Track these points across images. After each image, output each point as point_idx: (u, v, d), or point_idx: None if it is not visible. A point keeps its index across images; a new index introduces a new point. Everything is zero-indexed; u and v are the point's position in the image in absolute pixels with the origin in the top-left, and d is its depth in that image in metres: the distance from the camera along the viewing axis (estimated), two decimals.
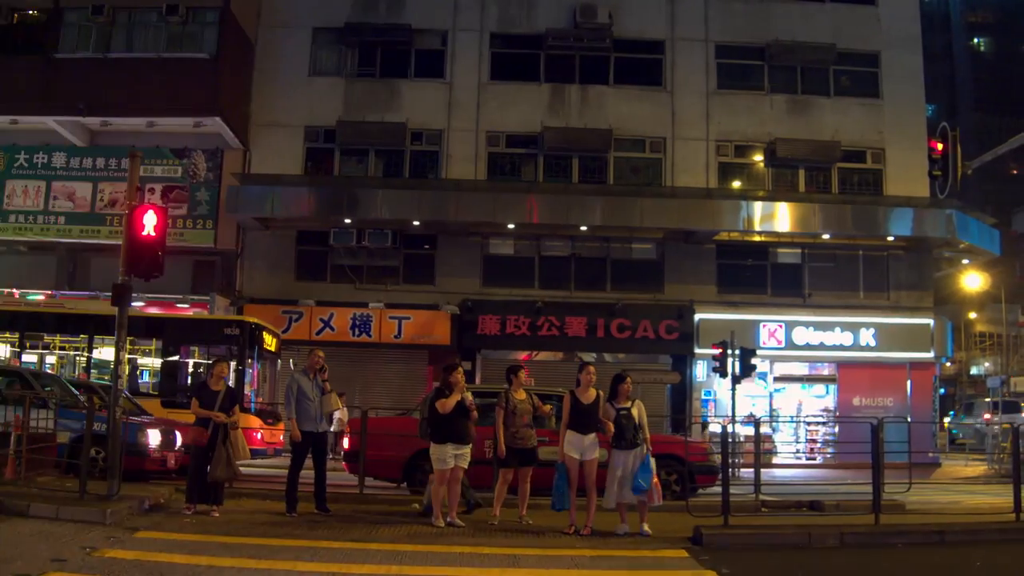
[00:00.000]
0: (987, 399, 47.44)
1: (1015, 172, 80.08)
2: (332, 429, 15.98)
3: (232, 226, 30.97)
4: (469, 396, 12.99)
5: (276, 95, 32.17)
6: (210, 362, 15.25)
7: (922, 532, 13.11)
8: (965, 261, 37.77)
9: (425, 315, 30.69)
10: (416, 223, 30.62)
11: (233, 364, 21.93)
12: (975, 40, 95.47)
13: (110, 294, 14.18)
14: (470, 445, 13.07)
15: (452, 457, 12.83)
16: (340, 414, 22.40)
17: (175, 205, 30.04)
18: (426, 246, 32.00)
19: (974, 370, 68.84)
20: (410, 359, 30.96)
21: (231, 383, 19.71)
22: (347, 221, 30.45)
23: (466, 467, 13.11)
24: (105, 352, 23.50)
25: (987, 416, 42.34)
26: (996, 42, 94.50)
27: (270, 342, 24.39)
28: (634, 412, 12.73)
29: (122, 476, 13.44)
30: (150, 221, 13.97)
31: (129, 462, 14.29)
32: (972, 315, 69.40)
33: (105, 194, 30.64)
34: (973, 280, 49.57)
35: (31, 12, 30.81)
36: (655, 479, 12.69)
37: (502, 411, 13.43)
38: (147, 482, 15.58)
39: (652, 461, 12.69)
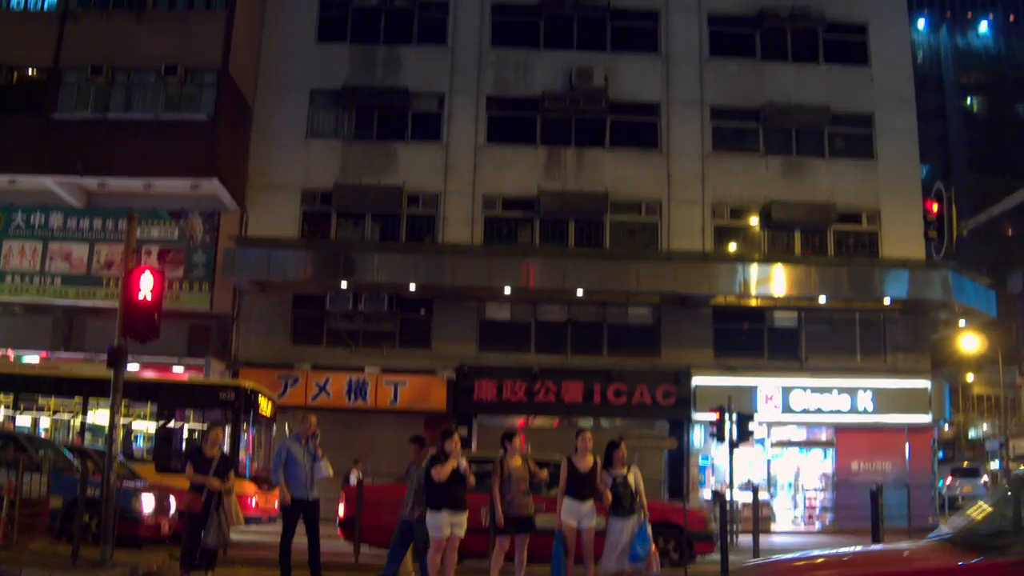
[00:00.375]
0: (983, 463, 47.39)
1: (1010, 232, 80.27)
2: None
3: (228, 289, 30.92)
4: (464, 463, 12.88)
5: (273, 157, 32.27)
6: (205, 427, 15.11)
7: None
8: (962, 323, 37.75)
9: (421, 380, 30.55)
10: (412, 287, 30.54)
11: (228, 429, 21.74)
12: (968, 100, 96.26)
13: (106, 356, 14.13)
14: (466, 512, 12.94)
15: (448, 525, 12.69)
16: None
17: (171, 267, 30.03)
18: (422, 310, 31.95)
19: (972, 433, 68.69)
20: (406, 424, 30.59)
21: (226, 448, 19.61)
22: (343, 285, 30.39)
23: (463, 535, 12.97)
24: (100, 415, 23.36)
25: (948, 480, 42.33)
26: (989, 102, 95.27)
27: (265, 407, 24.25)
28: (630, 479, 12.64)
29: (115, 542, 13.31)
30: (147, 283, 13.97)
31: (123, 528, 14.19)
32: (969, 377, 69.35)
33: (101, 255, 30.61)
34: (970, 342, 49.57)
35: (31, 72, 30.98)
36: (652, 547, 12.56)
37: (498, 479, 13.32)
38: (141, 548, 15.46)
39: (649, 528, 12.58)
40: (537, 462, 14.50)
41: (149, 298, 13.96)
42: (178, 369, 29.01)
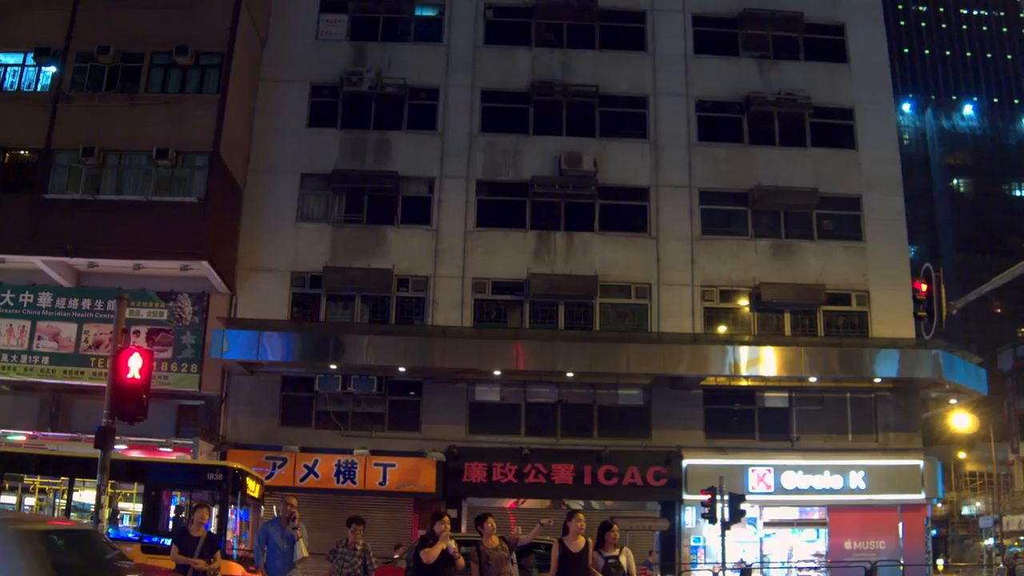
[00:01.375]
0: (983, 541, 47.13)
1: (999, 310, 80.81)
2: None
3: (217, 370, 30.80)
4: (453, 544, 12.81)
5: (263, 240, 32.37)
6: (191, 507, 15.01)
7: None
8: (953, 401, 37.82)
9: (410, 462, 30.35)
10: (402, 369, 30.54)
11: (216, 510, 21.55)
12: (954, 181, 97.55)
13: (93, 436, 14.06)
14: None
15: None
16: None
17: (160, 348, 29.94)
18: (412, 392, 31.86)
19: (965, 510, 68.50)
20: (395, 506, 30.55)
21: (213, 529, 19.42)
22: (333, 367, 30.36)
23: None
24: (86, 495, 23.14)
25: None
26: (975, 182, 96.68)
27: (253, 488, 24.04)
28: (623, 560, 12.56)
29: None
30: (135, 364, 14.00)
31: None
32: (961, 455, 69.34)
33: (90, 335, 30.52)
34: (961, 420, 49.51)
35: (22, 152, 31.12)
36: None
37: (476, 564, 13.26)
38: None
39: None
40: (531, 544, 14.45)
41: (138, 378, 14.01)
42: (166, 449, 28.79)
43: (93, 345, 30.37)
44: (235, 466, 23.46)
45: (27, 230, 29.64)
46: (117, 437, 14.69)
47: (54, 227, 29.54)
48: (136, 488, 23.54)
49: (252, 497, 24.06)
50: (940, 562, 52.76)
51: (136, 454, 26.83)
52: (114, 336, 14.47)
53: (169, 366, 30.24)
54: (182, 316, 30.78)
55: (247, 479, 23.50)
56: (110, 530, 21.18)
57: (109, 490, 14.57)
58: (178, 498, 23.49)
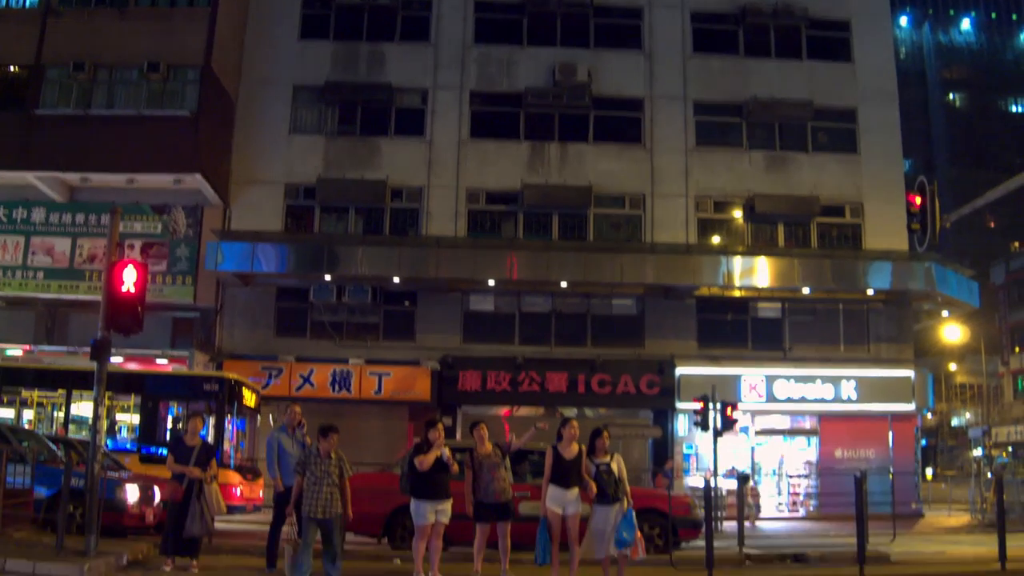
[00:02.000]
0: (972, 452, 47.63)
1: (992, 225, 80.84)
2: None
3: (212, 282, 30.88)
4: (447, 452, 12.91)
5: (256, 152, 32.24)
6: (186, 417, 15.10)
7: None
8: (945, 313, 38.03)
9: (405, 371, 30.60)
10: (396, 280, 30.60)
11: (212, 420, 21.76)
12: (950, 96, 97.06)
13: (89, 349, 14.12)
14: (450, 500, 13.00)
15: (432, 512, 12.75)
16: None
17: (154, 261, 30.01)
18: (406, 302, 31.99)
19: (955, 421, 69.34)
20: (390, 415, 30.83)
21: (210, 439, 19.65)
22: (327, 278, 30.46)
23: (447, 522, 13.02)
24: (83, 408, 23.33)
25: None
26: (971, 98, 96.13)
27: (249, 398, 24.24)
28: (614, 466, 12.67)
29: (100, 532, 13.32)
30: (130, 277, 13.95)
31: (107, 518, 14.16)
32: (952, 367, 69.91)
33: (84, 250, 30.55)
34: (953, 332, 49.85)
35: (12, 68, 30.81)
36: (637, 533, 12.61)
37: (469, 470, 13.41)
38: (125, 538, 15.44)
39: (634, 515, 12.63)
40: (524, 451, 14.59)
41: (132, 291, 13.95)
42: (162, 361, 28.99)
43: (87, 259, 30.40)
44: (231, 376, 23.63)
45: (19, 146, 29.46)
46: (113, 350, 14.69)
47: (46, 143, 29.42)
48: (133, 400, 23.77)
49: (248, 407, 24.29)
50: (929, 471, 53.42)
51: (133, 366, 27.01)
52: (108, 249, 14.43)
53: (164, 279, 30.31)
54: (176, 229, 30.78)
55: (243, 389, 23.69)
56: (108, 442, 21.42)
57: (107, 402, 14.68)
58: (175, 409, 23.69)
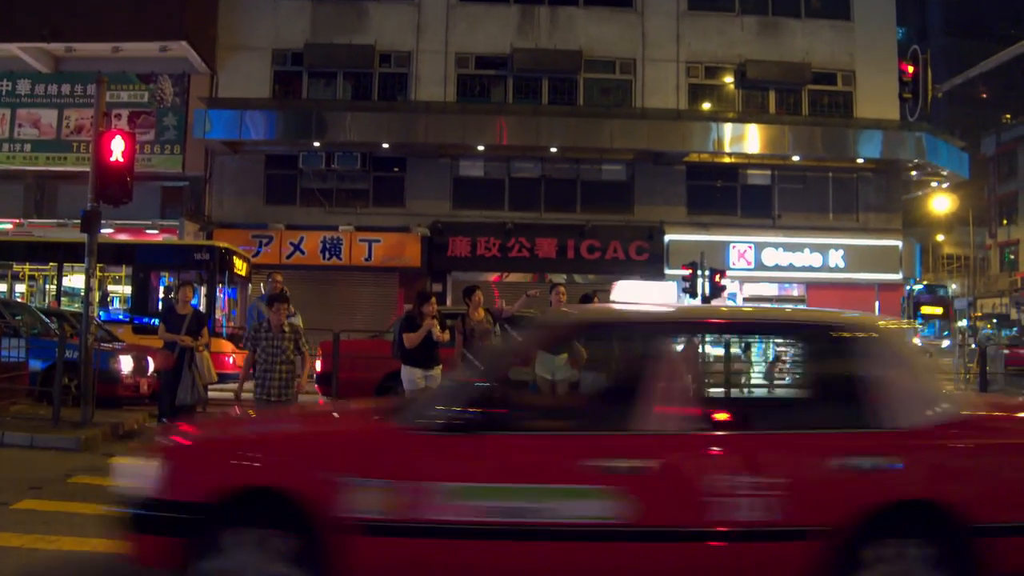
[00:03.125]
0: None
1: (984, 96, 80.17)
2: None
3: (200, 151, 30.74)
4: (436, 329, 12.95)
5: (243, 17, 31.72)
6: (176, 286, 15.15)
7: None
8: (934, 184, 37.95)
9: (395, 237, 30.66)
10: (385, 145, 30.50)
11: (203, 289, 21.90)
12: None
13: (79, 221, 14.13)
14: (439, 367, 13.11)
15: (422, 379, 12.89)
16: None
17: (142, 131, 29.82)
18: (395, 168, 31.89)
19: (941, 292, 69.70)
20: (381, 281, 30.96)
21: (202, 307, 19.77)
22: (316, 144, 30.35)
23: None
24: (75, 280, 23.43)
25: None
26: None
27: (240, 266, 24.32)
28: None
29: (95, 403, 13.50)
30: (118, 147, 13.89)
31: (102, 389, 14.33)
32: (940, 237, 70.06)
33: (71, 121, 30.36)
34: (941, 203, 49.89)
35: None
36: None
37: (460, 335, 13.47)
38: (120, 408, 15.64)
39: None
40: (517, 317, 14.69)
41: (121, 161, 13.88)
42: (152, 232, 29.04)
43: (75, 130, 30.23)
44: (221, 245, 23.68)
45: (2, 17, 28.91)
46: (103, 221, 14.70)
47: (30, 12, 28.85)
48: (125, 271, 23.85)
49: (239, 275, 24.36)
50: (917, 341, 53.88)
51: (123, 237, 27.10)
52: (95, 119, 14.34)
53: (152, 148, 30.18)
54: (163, 98, 30.53)
55: (234, 257, 23.75)
56: (101, 313, 21.54)
57: (98, 274, 14.71)
58: (166, 279, 23.80)
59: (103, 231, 16.34)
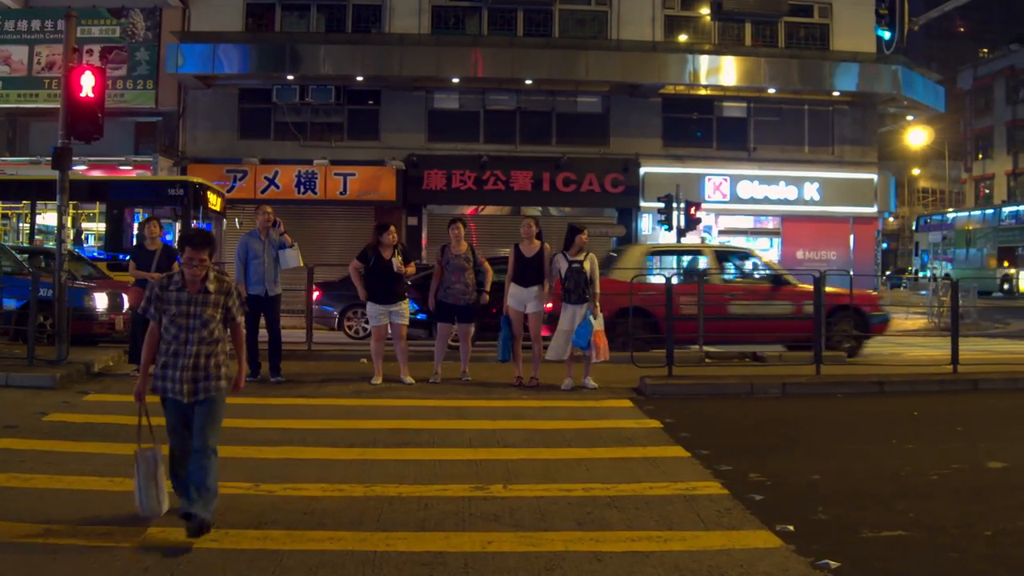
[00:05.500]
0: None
1: (962, 30, 79.96)
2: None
3: (173, 86, 30.51)
4: (399, 261, 12.86)
5: None
6: (143, 223, 14.94)
7: (863, 383, 13.41)
8: (910, 117, 38.06)
9: (370, 171, 30.59)
10: (360, 78, 30.35)
11: (178, 224, 21.84)
12: None
13: (51, 158, 14.03)
14: (404, 302, 13.06)
15: (384, 315, 12.88)
16: None
17: (114, 66, 29.57)
18: (370, 101, 31.75)
19: (916, 225, 70.02)
20: (356, 215, 30.84)
21: (175, 244, 19.69)
22: (290, 77, 30.21)
23: (405, 323, 13.12)
24: (49, 217, 23.28)
25: None
26: None
27: (215, 201, 24.25)
28: (586, 266, 12.59)
29: (70, 341, 13.47)
30: (88, 82, 13.74)
31: (77, 327, 14.27)
32: (915, 171, 70.18)
33: (42, 57, 30.09)
34: (917, 136, 49.93)
35: None
36: (601, 339, 12.66)
37: (439, 265, 13.44)
38: (96, 346, 15.61)
39: (598, 319, 12.71)
40: (499, 258, 14.68)
41: (91, 96, 13.72)
42: (126, 168, 28.87)
43: (46, 67, 29.99)
44: (195, 180, 23.60)
45: None
46: (76, 158, 14.62)
47: None
48: (98, 208, 23.71)
49: (214, 210, 24.32)
50: (889, 273, 54.16)
51: (96, 173, 26.90)
52: (64, 55, 14.14)
53: (124, 84, 29.98)
54: (135, 32, 30.23)
55: (208, 193, 23.70)
56: (76, 249, 21.45)
57: (71, 211, 14.64)
58: (140, 215, 23.63)
59: (77, 168, 16.31)
